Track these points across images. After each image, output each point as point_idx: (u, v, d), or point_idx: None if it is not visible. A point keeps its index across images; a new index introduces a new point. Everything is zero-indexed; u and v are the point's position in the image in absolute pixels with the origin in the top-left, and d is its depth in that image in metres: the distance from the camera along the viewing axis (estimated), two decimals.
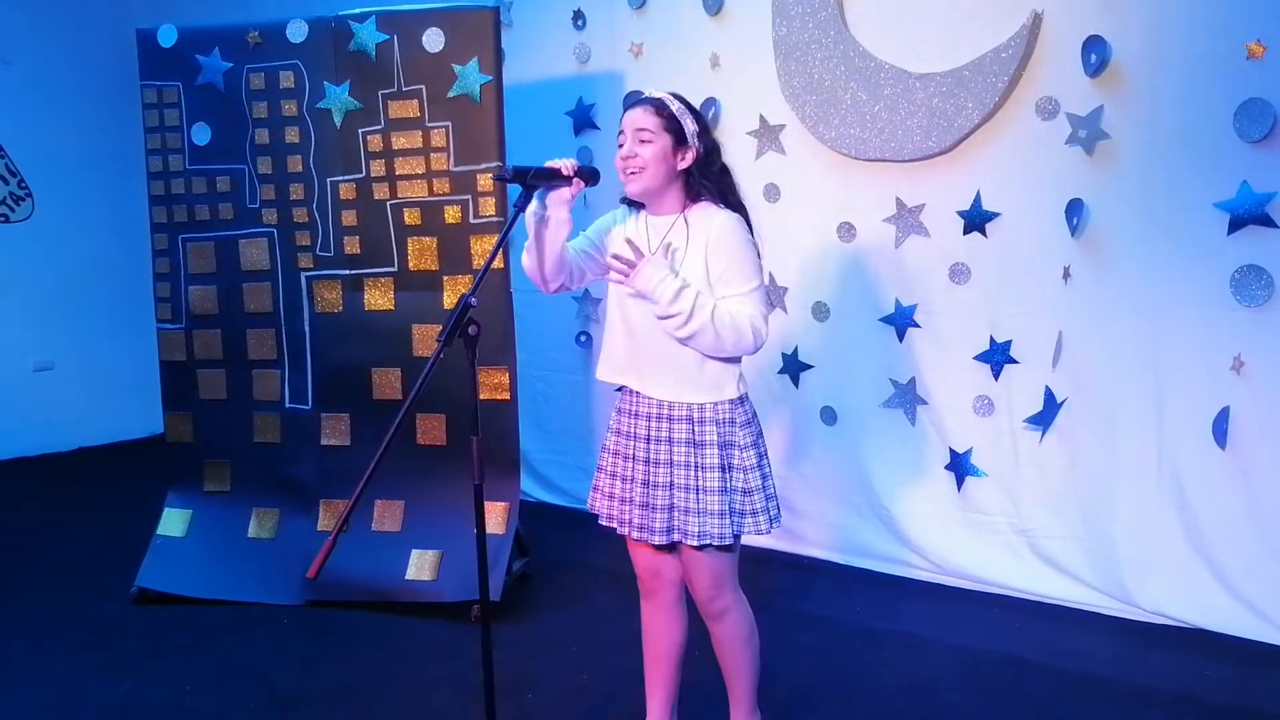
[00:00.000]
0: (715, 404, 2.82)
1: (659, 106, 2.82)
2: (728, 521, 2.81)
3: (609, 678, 3.73)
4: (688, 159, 2.82)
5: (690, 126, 2.82)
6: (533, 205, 2.74)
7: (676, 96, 2.86)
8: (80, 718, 3.61)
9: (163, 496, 4.80)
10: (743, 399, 2.88)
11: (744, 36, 4.88)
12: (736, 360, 2.85)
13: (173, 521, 4.72)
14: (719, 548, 2.85)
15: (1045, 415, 4.27)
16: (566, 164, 2.74)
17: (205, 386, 4.73)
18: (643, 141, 2.79)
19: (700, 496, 2.82)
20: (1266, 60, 3.65)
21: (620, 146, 2.84)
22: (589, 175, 2.80)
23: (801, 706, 3.53)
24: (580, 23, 5.48)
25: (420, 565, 4.38)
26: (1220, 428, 3.85)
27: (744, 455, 2.84)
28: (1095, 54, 3.96)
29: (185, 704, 3.68)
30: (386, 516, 4.50)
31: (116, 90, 7.05)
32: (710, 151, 2.87)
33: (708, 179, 2.84)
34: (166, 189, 4.72)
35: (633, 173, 2.80)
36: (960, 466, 4.52)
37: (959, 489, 4.54)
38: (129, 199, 6.72)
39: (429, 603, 4.31)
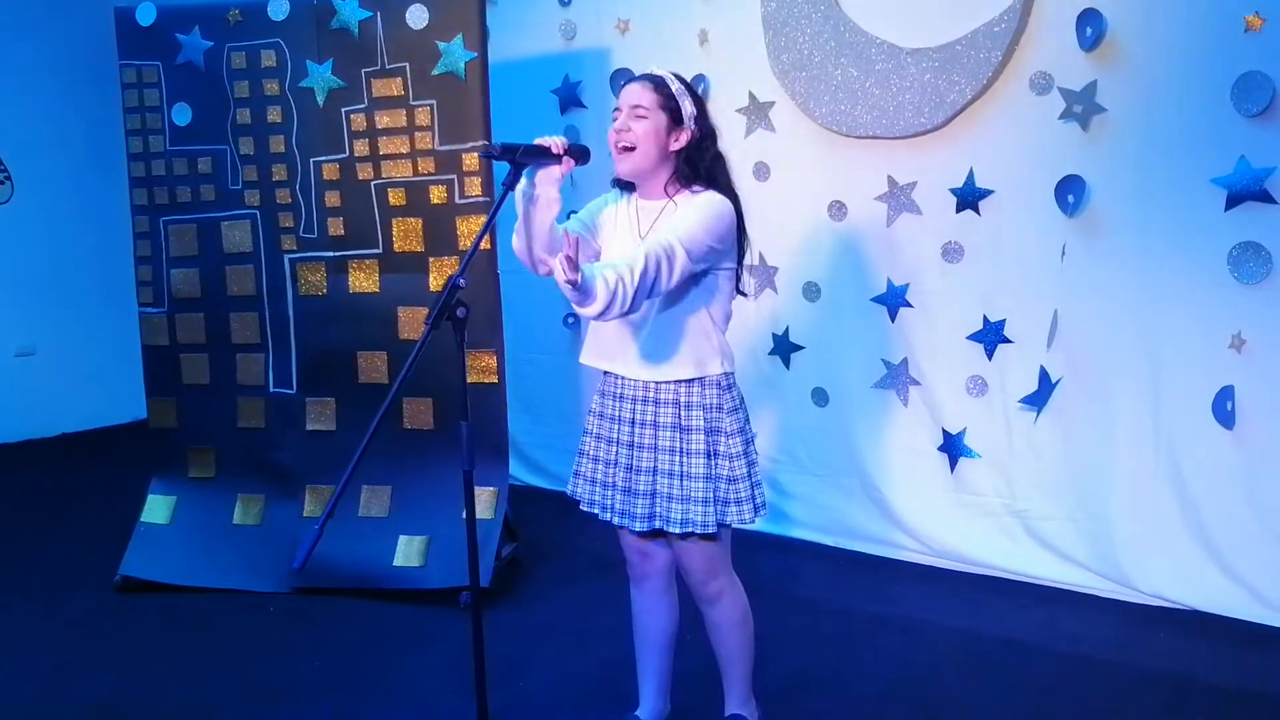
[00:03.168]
0: (701, 382, 2.76)
1: (658, 84, 2.77)
2: (711, 510, 2.76)
3: (601, 664, 3.68)
4: (681, 140, 2.76)
5: (688, 109, 2.77)
6: (521, 184, 2.67)
7: (678, 77, 2.80)
8: (63, 710, 3.54)
9: (146, 483, 4.73)
10: (730, 383, 2.83)
11: (733, 12, 4.82)
12: (719, 331, 2.80)
13: (156, 508, 4.65)
14: (704, 535, 2.80)
15: (1040, 395, 4.22)
16: (556, 142, 2.68)
17: (188, 371, 4.66)
18: (638, 117, 2.73)
19: (684, 483, 2.76)
20: (1265, 32, 3.60)
21: (615, 120, 2.77)
22: (579, 154, 2.73)
23: (797, 693, 3.49)
24: None
25: (408, 551, 4.33)
26: (1223, 407, 3.81)
27: (730, 442, 2.79)
28: (1090, 27, 3.90)
29: (170, 695, 3.62)
30: (373, 502, 4.45)
31: (95, 70, 6.95)
32: (705, 136, 2.81)
33: (699, 165, 2.78)
34: (147, 170, 4.64)
35: (624, 148, 2.74)
36: (953, 447, 4.48)
37: (952, 470, 4.50)
38: (109, 181, 6.64)
39: (417, 589, 4.26)
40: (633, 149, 2.73)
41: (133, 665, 3.84)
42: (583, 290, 2.42)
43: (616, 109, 2.79)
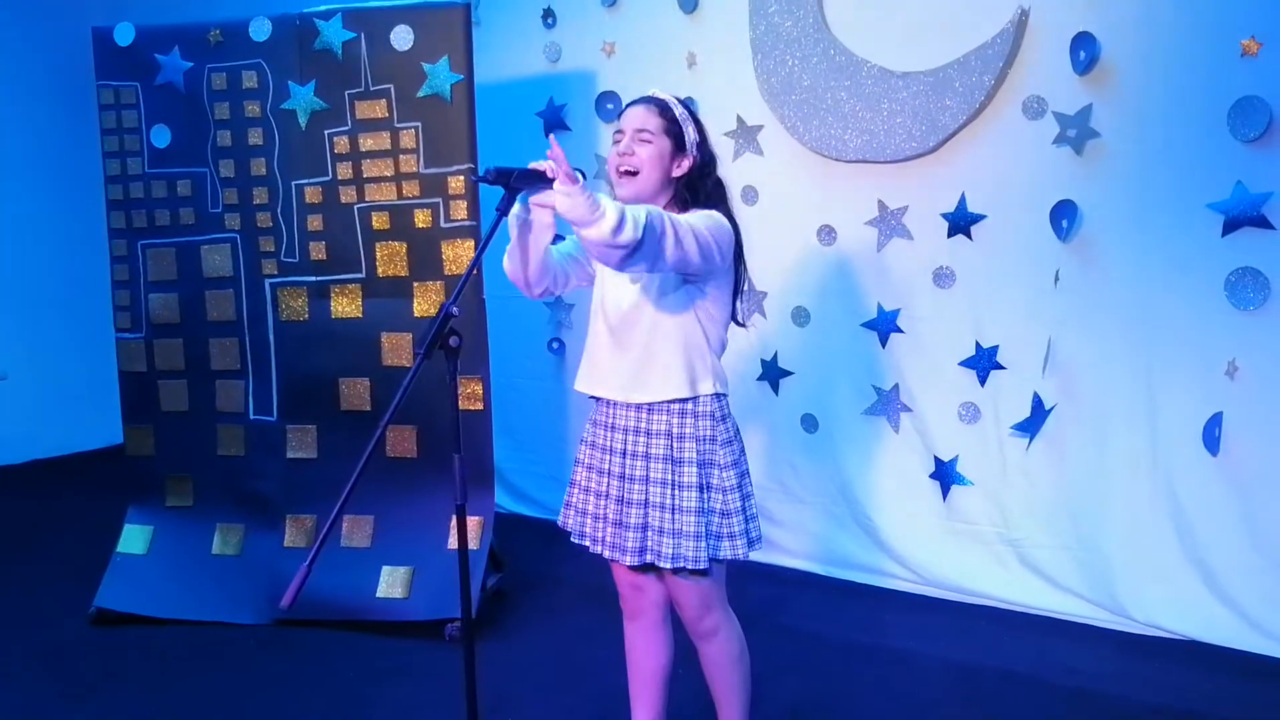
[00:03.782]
0: (695, 413, 2.69)
1: (662, 108, 2.71)
2: (703, 545, 2.67)
3: (593, 699, 3.60)
4: (684, 167, 2.72)
5: (691, 134, 2.72)
6: (515, 209, 2.61)
7: (681, 101, 2.75)
8: None
9: (122, 512, 4.63)
10: (724, 413, 2.76)
11: (721, 34, 4.77)
12: (714, 354, 2.74)
13: (133, 538, 4.55)
14: (697, 570, 2.72)
15: (1033, 422, 4.17)
16: (551, 166, 2.61)
17: (166, 398, 4.57)
18: (642, 141, 2.67)
19: (675, 517, 2.68)
20: (1261, 57, 3.58)
21: (616, 144, 2.71)
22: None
23: None
24: (550, 21, 5.35)
25: (391, 582, 4.24)
26: (1211, 434, 3.77)
27: (724, 475, 2.71)
28: (1084, 51, 3.87)
29: None
30: (356, 532, 4.36)
31: (72, 91, 6.85)
32: (707, 163, 2.75)
33: (700, 191, 2.73)
34: (125, 193, 4.55)
35: (626, 172, 2.68)
36: (946, 475, 4.43)
37: (944, 498, 4.45)
38: (86, 204, 6.55)
39: (401, 621, 4.17)
40: (636, 173, 2.67)
41: (109, 700, 3.73)
42: (590, 201, 2.32)
43: (619, 131, 2.72)
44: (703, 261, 2.57)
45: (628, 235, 2.34)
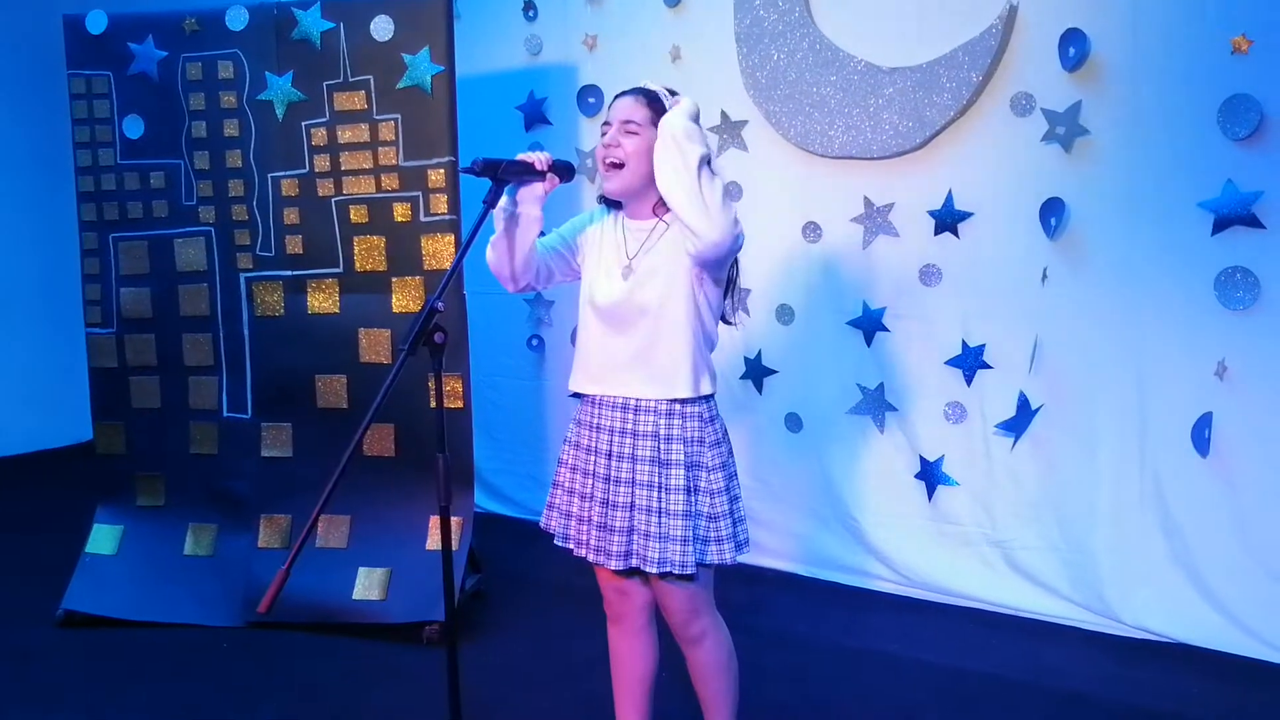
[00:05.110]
0: (683, 414, 2.62)
1: (651, 99, 2.63)
2: (690, 549, 2.60)
3: (576, 703, 3.53)
4: None
5: None
6: (502, 201, 2.54)
7: (673, 93, 2.67)
8: None
9: (91, 511, 4.53)
10: (713, 414, 2.69)
11: (705, 28, 4.72)
12: (708, 350, 2.68)
13: (102, 538, 4.46)
14: (682, 575, 2.65)
15: (1018, 421, 4.14)
16: (540, 158, 2.55)
17: (138, 395, 4.48)
18: (629, 133, 2.60)
19: (662, 520, 2.61)
20: (1252, 55, 3.56)
21: (604, 136, 2.64)
22: (564, 170, 2.61)
23: None
24: (531, 13, 5.29)
25: (368, 584, 4.16)
26: (1201, 435, 3.74)
27: (711, 478, 2.65)
28: (1073, 48, 3.84)
29: None
30: (332, 532, 4.28)
31: (41, 80, 6.75)
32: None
33: None
34: (96, 185, 4.46)
35: (613, 164, 2.61)
36: (931, 475, 4.38)
37: (930, 498, 4.40)
38: (56, 195, 6.45)
39: (378, 623, 4.09)
40: (622, 166, 2.60)
41: (77, 705, 3.64)
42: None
43: (606, 123, 2.65)
44: (737, 228, 2.52)
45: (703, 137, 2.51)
